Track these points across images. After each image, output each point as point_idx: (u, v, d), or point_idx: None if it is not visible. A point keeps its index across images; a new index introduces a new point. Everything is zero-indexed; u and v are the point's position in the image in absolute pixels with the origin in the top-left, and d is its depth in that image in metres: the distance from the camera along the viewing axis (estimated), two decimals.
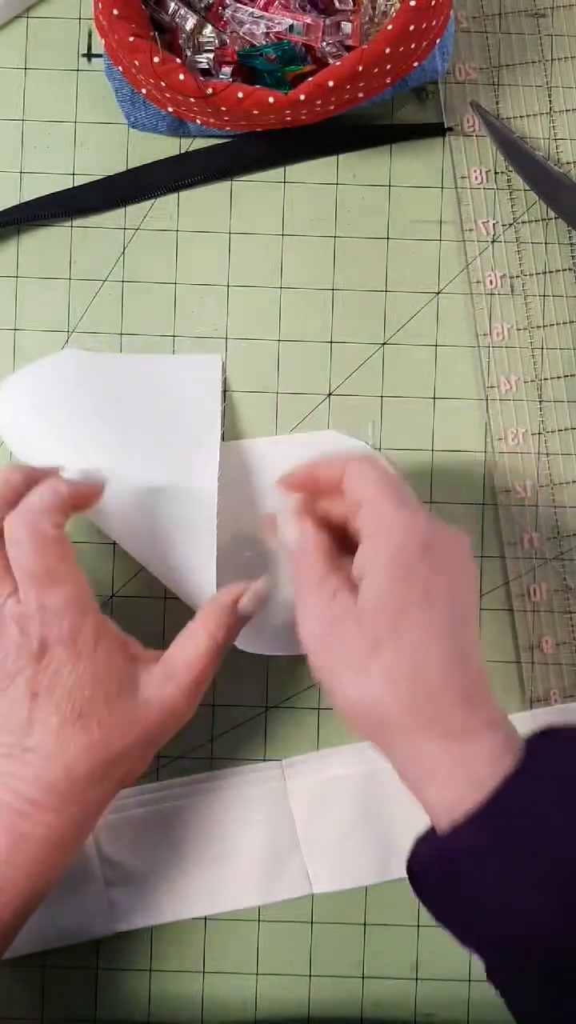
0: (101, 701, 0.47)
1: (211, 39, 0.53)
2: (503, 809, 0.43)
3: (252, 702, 0.57)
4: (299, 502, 0.51)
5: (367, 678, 0.45)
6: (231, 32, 0.54)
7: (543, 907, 0.42)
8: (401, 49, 0.50)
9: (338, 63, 0.50)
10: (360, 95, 0.52)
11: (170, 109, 0.54)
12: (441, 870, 0.45)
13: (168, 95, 0.52)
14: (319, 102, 0.51)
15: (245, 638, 0.53)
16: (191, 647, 0.49)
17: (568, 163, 0.57)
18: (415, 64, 0.53)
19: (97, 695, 0.47)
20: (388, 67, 0.51)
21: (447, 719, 0.45)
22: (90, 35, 0.57)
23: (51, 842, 0.47)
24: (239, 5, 0.54)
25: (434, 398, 0.58)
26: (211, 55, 0.53)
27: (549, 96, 0.57)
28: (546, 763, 0.45)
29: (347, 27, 0.53)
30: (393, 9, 0.53)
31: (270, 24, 0.53)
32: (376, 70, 0.50)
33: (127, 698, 0.48)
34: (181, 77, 0.50)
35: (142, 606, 0.57)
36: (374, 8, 0.53)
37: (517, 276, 0.57)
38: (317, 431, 0.57)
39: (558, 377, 0.57)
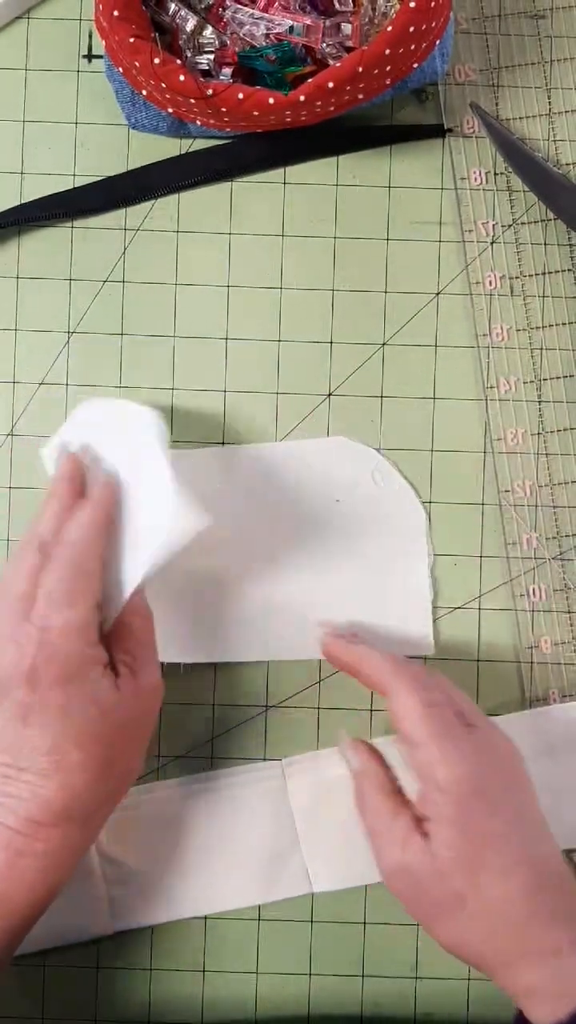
0: (94, 718, 0.48)
1: (211, 40, 0.53)
2: None
3: (252, 702, 0.57)
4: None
5: (457, 929, 0.48)
6: (231, 33, 0.54)
7: None
8: (401, 50, 0.50)
9: (338, 64, 0.50)
10: (360, 96, 0.53)
11: (170, 110, 0.54)
12: None
13: (168, 96, 0.52)
14: (319, 103, 0.51)
15: (247, 647, 0.53)
16: (134, 636, 0.50)
17: (567, 164, 0.58)
18: (415, 65, 0.53)
19: (88, 714, 0.47)
20: (388, 68, 0.51)
21: (537, 945, 0.47)
22: (90, 36, 0.58)
23: (50, 856, 0.47)
24: (239, 6, 0.54)
25: (434, 398, 0.58)
26: (211, 56, 0.53)
27: (548, 97, 0.57)
28: None
29: (347, 28, 0.53)
30: (393, 10, 0.53)
31: (270, 25, 0.53)
32: (376, 71, 0.51)
33: (116, 709, 0.48)
34: (181, 78, 0.51)
35: None
36: (374, 9, 0.53)
37: (516, 277, 0.57)
38: (326, 438, 0.57)
39: (557, 377, 0.58)
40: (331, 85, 0.50)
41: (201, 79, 0.52)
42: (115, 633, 0.50)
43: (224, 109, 0.51)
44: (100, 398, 0.56)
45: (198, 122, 0.54)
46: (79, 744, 0.47)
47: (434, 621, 0.57)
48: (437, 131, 0.57)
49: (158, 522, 0.50)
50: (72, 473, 0.52)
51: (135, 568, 0.50)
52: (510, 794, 0.49)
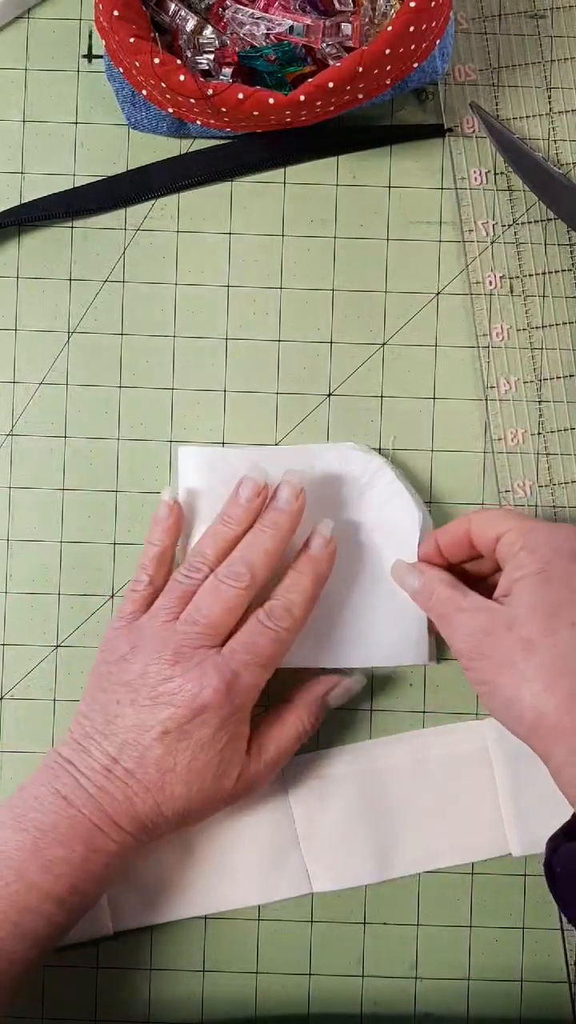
0: (212, 772, 0.50)
1: (211, 40, 0.53)
2: None
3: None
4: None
5: (523, 678, 0.47)
6: (231, 33, 0.54)
7: None
8: (401, 50, 0.50)
9: (338, 64, 0.50)
10: (360, 96, 0.53)
11: (170, 110, 0.54)
12: None
13: (168, 96, 0.52)
14: (319, 103, 0.51)
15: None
16: (283, 736, 0.53)
17: (567, 164, 0.58)
18: (415, 65, 0.53)
19: (212, 765, 0.50)
20: (388, 68, 0.51)
21: None
22: (91, 36, 0.57)
23: (120, 856, 0.50)
24: (239, 6, 0.54)
25: (434, 398, 0.58)
26: (211, 56, 0.53)
27: (549, 97, 0.57)
28: None
29: (347, 28, 0.53)
30: (393, 10, 0.53)
31: (270, 25, 0.53)
32: (376, 71, 0.51)
33: (230, 776, 0.51)
34: (181, 78, 0.51)
35: None
36: (374, 9, 0.53)
37: (516, 277, 0.57)
38: (332, 443, 0.57)
39: (557, 377, 0.58)
40: (331, 85, 0.50)
41: (201, 79, 0.52)
42: (272, 720, 0.53)
43: (224, 109, 0.51)
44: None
45: (198, 122, 0.54)
46: (187, 782, 0.50)
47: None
48: (437, 131, 0.57)
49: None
50: (298, 509, 0.53)
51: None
52: None
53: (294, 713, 0.54)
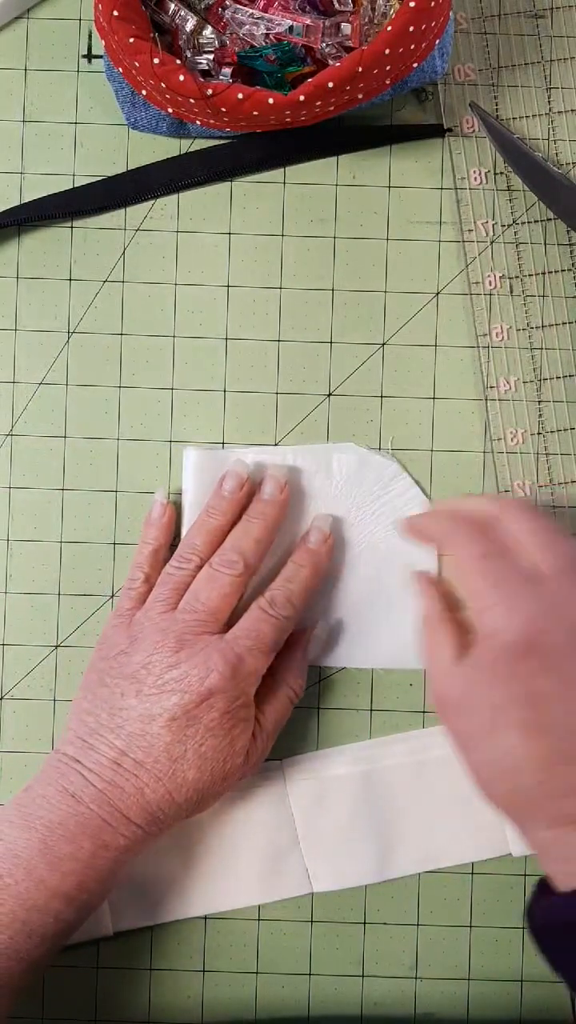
0: (223, 755, 0.51)
1: (211, 40, 0.53)
2: None
3: None
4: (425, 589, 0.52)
5: (475, 764, 0.47)
6: (231, 33, 0.54)
7: None
8: (400, 50, 0.50)
9: (338, 64, 0.50)
10: (360, 96, 0.53)
11: (170, 110, 0.54)
12: (564, 926, 0.45)
13: (168, 96, 0.52)
14: (319, 103, 0.51)
15: None
16: (278, 706, 0.54)
17: (567, 164, 0.58)
18: (414, 65, 0.53)
19: (222, 748, 0.50)
20: (387, 68, 0.51)
21: (551, 811, 0.45)
22: (90, 36, 0.57)
23: (128, 851, 0.50)
24: (239, 6, 0.54)
25: (434, 398, 0.58)
26: (211, 56, 0.53)
27: (548, 97, 0.57)
28: None
29: (347, 28, 0.53)
30: (392, 10, 0.53)
31: (270, 25, 0.53)
32: (376, 71, 0.51)
33: (239, 756, 0.51)
34: (181, 78, 0.51)
35: None
36: (373, 9, 0.53)
37: (516, 277, 0.57)
38: (335, 443, 0.57)
39: (557, 377, 0.58)
40: (331, 85, 0.50)
41: (201, 79, 0.52)
42: (264, 693, 0.53)
43: (224, 109, 0.51)
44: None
45: (198, 122, 0.54)
46: (199, 768, 0.50)
47: None
48: (437, 131, 0.57)
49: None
50: (283, 500, 0.55)
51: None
52: (565, 677, 0.45)
53: (282, 680, 0.54)
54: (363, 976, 0.57)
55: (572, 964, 0.46)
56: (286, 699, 0.54)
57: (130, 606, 0.54)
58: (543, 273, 0.57)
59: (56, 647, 0.58)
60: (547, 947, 0.47)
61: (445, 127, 0.57)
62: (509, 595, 0.46)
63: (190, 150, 0.58)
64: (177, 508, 0.57)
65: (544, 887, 0.47)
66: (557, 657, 0.46)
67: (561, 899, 0.45)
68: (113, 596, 0.58)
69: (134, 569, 0.55)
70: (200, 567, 0.53)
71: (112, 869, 0.50)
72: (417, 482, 0.57)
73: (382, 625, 0.57)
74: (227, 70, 0.53)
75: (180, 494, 0.57)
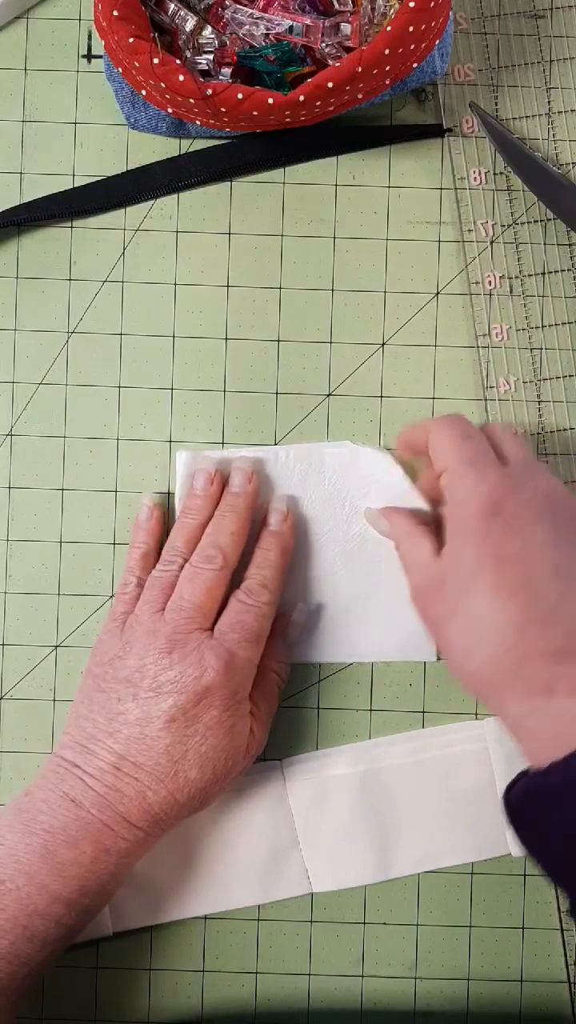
0: (224, 753, 0.51)
1: (211, 40, 0.53)
2: None
3: None
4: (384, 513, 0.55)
5: (448, 641, 0.49)
6: (231, 33, 0.54)
7: None
8: (400, 50, 0.50)
9: (337, 64, 0.50)
10: (359, 96, 0.53)
11: (170, 110, 0.54)
12: (533, 804, 0.46)
13: (168, 96, 0.52)
14: (318, 103, 0.51)
15: None
16: (268, 693, 0.54)
17: (567, 164, 0.58)
18: (414, 65, 0.53)
19: (223, 746, 0.50)
20: (387, 68, 0.51)
21: (526, 679, 0.46)
22: (90, 36, 0.58)
23: (130, 854, 0.50)
24: (238, 6, 0.54)
25: (433, 398, 0.58)
26: (211, 56, 0.53)
27: (548, 97, 0.57)
28: None
29: (346, 28, 0.53)
30: (392, 10, 0.53)
31: (269, 25, 0.53)
32: (375, 71, 0.51)
33: (240, 751, 0.52)
34: (181, 78, 0.51)
35: None
36: (373, 9, 0.53)
37: (516, 277, 0.57)
38: (334, 441, 0.57)
39: (557, 378, 0.58)
40: (331, 85, 0.50)
41: (200, 79, 0.52)
42: (255, 681, 0.53)
43: (224, 109, 0.51)
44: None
45: (198, 122, 0.54)
46: (201, 766, 0.50)
47: None
48: (436, 131, 0.57)
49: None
50: (252, 490, 0.55)
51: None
52: (541, 525, 0.48)
53: (266, 667, 0.54)
54: (363, 976, 0.57)
55: (543, 838, 0.46)
56: (274, 686, 0.55)
57: (123, 610, 0.54)
58: (543, 273, 0.58)
59: (56, 647, 0.58)
60: (519, 826, 0.47)
61: (445, 127, 0.57)
62: (480, 469, 0.49)
63: (190, 150, 0.58)
64: (172, 511, 0.57)
65: (522, 774, 0.47)
66: (520, 523, 0.48)
67: (533, 776, 0.46)
68: (112, 596, 0.58)
69: (126, 573, 0.55)
70: (183, 565, 0.53)
71: (114, 873, 0.50)
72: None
73: (379, 618, 0.57)
74: (227, 70, 0.53)
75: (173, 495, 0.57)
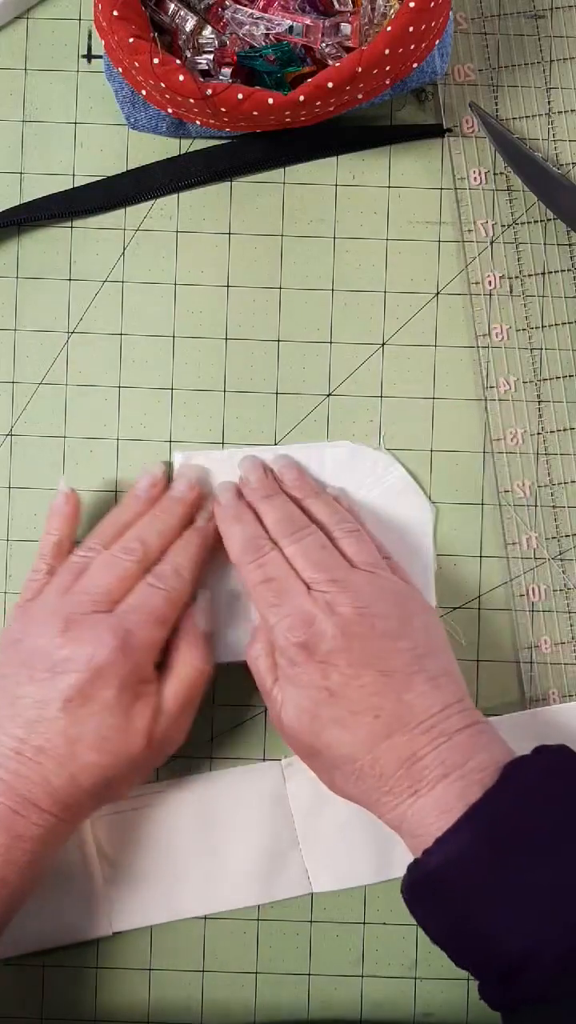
0: (121, 736, 0.49)
1: (211, 40, 0.53)
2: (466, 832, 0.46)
3: (252, 702, 0.57)
4: None
5: (320, 768, 0.51)
6: (231, 33, 0.54)
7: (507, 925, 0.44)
8: (400, 50, 0.50)
9: (337, 64, 0.50)
10: (359, 96, 0.53)
11: (170, 110, 0.54)
12: (414, 897, 0.47)
13: (168, 96, 0.52)
14: (318, 103, 0.51)
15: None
16: (179, 684, 0.52)
17: (567, 164, 0.58)
18: (414, 65, 0.53)
19: (120, 729, 0.49)
20: (387, 68, 0.51)
21: (394, 787, 0.47)
22: (90, 36, 0.58)
23: (44, 842, 0.49)
24: (238, 6, 0.54)
25: (434, 398, 0.58)
26: (211, 56, 0.53)
27: (548, 97, 0.57)
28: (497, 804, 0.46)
29: (346, 28, 0.53)
30: (392, 10, 0.53)
31: (269, 25, 0.53)
32: (375, 71, 0.51)
33: (140, 735, 0.50)
34: (181, 78, 0.51)
35: None
36: (373, 9, 0.53)
37: (516, 277, 0.57)
38: (334, 442, 0.57)
39: (557, 378, 0.58)
40: (331, 85, 0.50)
41: (200, 79, 0.52)
42: (162, 674, 0.52)
43: (224, 109, 0.51)
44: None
45: (198, 122, 0.54)
46: (99, 749, 0.49)
47: None
48: (437, 131, 0.57)
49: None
50: (192, 499, 0.55)
51: None
52: (349, 652, 0.48)
53: (177, 656, 0.52)
54: (363, 976, 0.57)
55: (432, 919, 0.47)
56: (187, 676, 0.52)
57: (30, 596, 0.53)
58: (543, 273, 0.58)
59: None
60: (413, 910, 0.47)
61: (445, 127, 0.57)
62: (285, 608, 0.50)
63: (190, 150, 0.58)
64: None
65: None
66: (334, 654, 0.48)
67: (413, 864, 0.47)
68: None
69: (38, 560, 0.54)
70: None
71: (31, 862, 0.49)
72: (413, 475, 0.57)
73: None
74: (227, 70, 0.53)
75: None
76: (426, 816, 0.46)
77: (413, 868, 0.46)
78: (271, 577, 0.51)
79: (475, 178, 0.57)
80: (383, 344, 0.58)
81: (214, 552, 0.55)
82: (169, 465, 0.57)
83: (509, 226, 0.57)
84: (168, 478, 0.56)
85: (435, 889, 0.46)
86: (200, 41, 0.54)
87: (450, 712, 0.48)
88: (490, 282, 0.57)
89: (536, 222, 0.57)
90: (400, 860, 0.56)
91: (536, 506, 0.57)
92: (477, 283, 0.57)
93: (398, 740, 0.47)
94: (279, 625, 0.49)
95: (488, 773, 0.46)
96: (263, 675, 0.52)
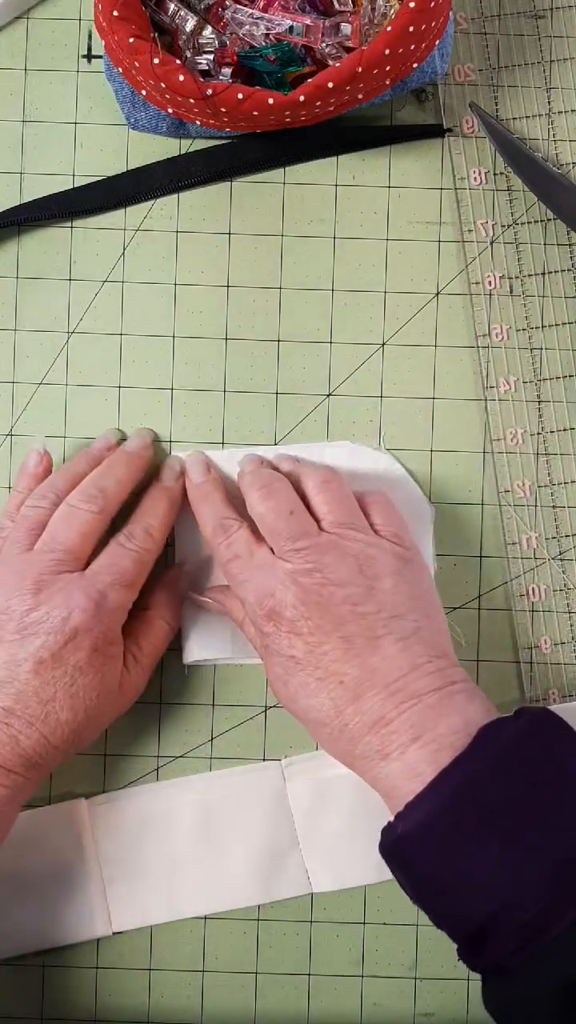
0: (95, 693, 0.50)
1: (211, 40, 0.53)
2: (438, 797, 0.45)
3: (252, 702, 0.57)
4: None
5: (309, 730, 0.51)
6: (231, 33, 0.54)
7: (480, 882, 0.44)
8: (400, 50, 0.50)
9: (337, 64, 0.50)
10: (359, 96, 0.53)
11: (170, 110, 0.54)
12: (389, 857, 0.47)
13: (168, 96, 0.52)
14: (319, 103, 0.51)
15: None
16: (155, 639, 0.53)
17: (567, 164, 0.58)
18: (414, 65, 0.53)
19: (93, 686, 0.50)
20: (387, 68, 0.51)
21: (367, 750, 0.47)
22: (90, 36, 0.58)
23: (11, 801, 0.49)
24: (239, 6, 0.54)
25: (434, 398, 0.58)
26: (211, 56, 0.53)
27: (548, 97, 0.57)
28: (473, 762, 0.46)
29: (346, 28, 0.53)
30: (392, 10, 0.53)
31: (270, 25, 0.53)
32: (375, 71, 0.51)
33: (112, 690, 0.51)
34: (181, 78, 0.51)
35: None
36: (373, 9, 0.53)
37: (516, 277, 0.57)
38: (334, 442, 0.57)
39: (557, 378, 0.58)
40: (331, 85, 0.50)
41: (201, 79, 0.52)
42: (139, 626, 0.53)
43: (224, 109, 0.51)
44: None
45: (198, 122, 0.54)
46: (72, 708, 0.49)
47: None
48: (437, 131, 0.57)
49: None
50: (148, 456, 0.55)
51: None
52: (319, 618, 0.48)
53: (156, 614, 0.54)
54: (363, 976, 0.57)
55: (407, 882, 0.47)
56: (161, 631, 0.54)
57: None
58: (543, 273, 0.58)
59: None
60: (392, 872, 0.47)
61: (445, 127, 0.57)
62: (251, 583, 0.50)
63: (190, 150, 0.58)
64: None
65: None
66: (297, 623, 0.48)
67: (386, 828, 0.47)
68: None
69: (2, 518, 0.54)
70: (56, 504, 0.52)
71: (1, 818, 0.49)
72: (413, 475, 0.57)
73: None
74: (227, 70, 0.53)
75: None
76: (397, 780, 0.46)
77: (386, 832, 0.47)
78: (238, 555, 0.51)
79: (475, 178, 0.57)
80: (383, 344, 0.58)
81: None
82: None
83: (509, 226, 0.57)
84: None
85: (403, 855, 0.46)
86: (200, 41, 0.54)
87: (420, 674, 0.47)
88: (490, 282, 0.57)
89: (536, 222, 0.57)
90: None
91: (536, 506, 0.57)
92: (477, 283, 0.57)
93: (365, 704, 0.47)
94: (247, 600, 0.50)
95: (460, 736, 0.46)
96: (258, 650, 0.52)
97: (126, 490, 0.53)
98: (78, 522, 0.51)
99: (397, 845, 0.46)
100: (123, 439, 0.57)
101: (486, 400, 0.57)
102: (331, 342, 0.58)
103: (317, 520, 0.51)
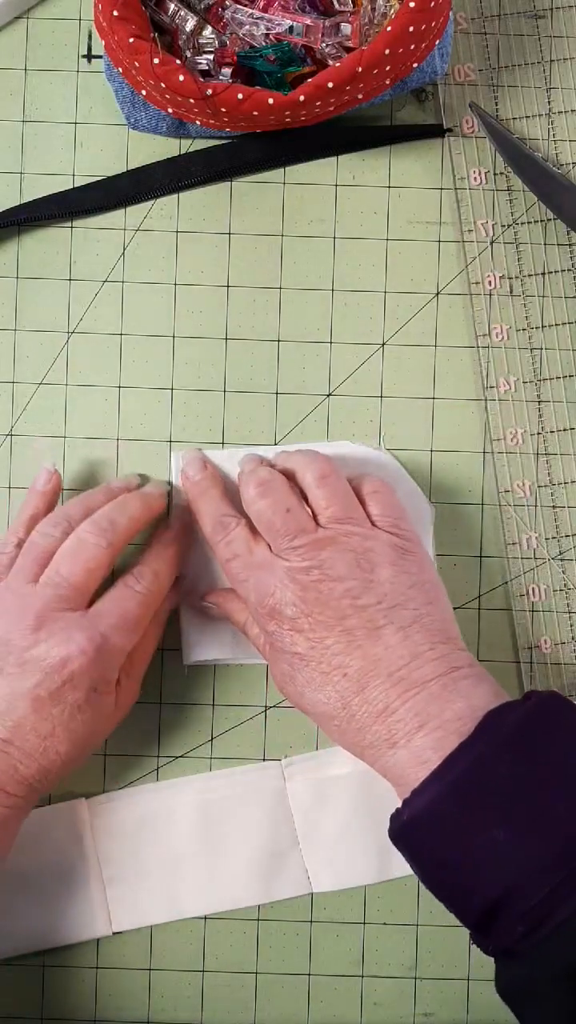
0: (92, 727, 0.50)
1: (211, 40, 0.53)
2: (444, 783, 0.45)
3: (252, 702, 0.57)
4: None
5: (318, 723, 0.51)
6: (231, 33, 0.54)
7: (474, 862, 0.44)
8: (400, 50, 0.51)
9: (337, 64, 0.50)
10: (359, 96, 0.53)
11: (170, 110, 0.54)
12: (399, 841, 0.47)
13: (168, 96, 0.52)
14: (319, 103, 0.51)
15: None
16: (143, 650, 0.54)
17: (567, 164, 0.58)
18: (414, 65, 0.53)
19: (90, 721, 0.50)
20: (387, 68, 0.51)
21: (375, 739, 0.47)
22: (90, 36, 0.58)
23: (9, 820, 0.50)
24: (239, 6, 0.54)
25: (433, 398, 0.58)
26: (211, 56, 0.53)
27: (548, 97, 0.57)
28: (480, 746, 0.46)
29: (346, 28, 0.53)
30: (392, 10, 0.53)
31: (270, 25, 0.53)
32: (375, 71, 0.51)
33: (108, 715, 0.51)
34: (181, 78, 0.51)
35: None
36: (373, 9, 0.53)
37: (516, 277, 0.57)
38: (333, 441, 0.57)
39: (557, 378, 0.58)
40: (331, 85, 0.50)
41: (201, 79, 0.52)
42: (137, 652, 0.53)
43: (224, 109, 0.51)
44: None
45: (198, 122, 0.54)
46: (70, 741, 0.49)
47: None
48: (437, 131, 0.57)
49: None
50: (163, 501, 0.55)
51: None
52: (321, 615, 0.48)
53: (152, 627, 0.54)
54: (363, 976, 0.57)
55: (415, 866, 0.47)
56: (151, 643, 0.55)
57: None
58: (543, 273, 0.58)
59: None
60: (402, 851, 0.47)
61: (445, 127, 0.57)
62: (251, 582, 0.50)
63: (190, 150, 0.58)
64: (170, 511, 0.57)
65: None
66: (298, 620, 0.48)
67: (394, 814, 0.47)
68: None
69: (9, 534, 0.54)
70: (68, 534, 0.52)
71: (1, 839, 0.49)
72: (413, 475, 0.57)
73: None
74: (227, 70, 0.53)
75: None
76: (405, 768, 0.46)
77: (394, 818, 0.47)
78: (237, 554, 0.51)
79: (475, 178, 0.57)
80: (383, 344, 0.58)
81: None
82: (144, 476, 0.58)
83: (509, 226, 0.57)
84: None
85: (410, 840, 0.46)
86: (200, 41, 0.54)
87: (422, 661, 0.47)
88: (490, 282, 0.57)
89: (536, 222, 0.57)
90: (400, 860, 0.56)
91: (536, 506, 0.57)
92: (477, 283, 0.57)
93: (370, 695, 0.47)
94: (249, 599, 0.50)
95: (466, 722, 0.46)
96: (262, 649, 0.52)
97: (136, 529, 0.53)
98: (84, 557, 0.51)
99: (404, 831, 0.46)
100: (143, 484, 0.57)
101: (486, 400, 0.57)
102: (331, 342, 0.58)
103: (315, 514, 0.51)
